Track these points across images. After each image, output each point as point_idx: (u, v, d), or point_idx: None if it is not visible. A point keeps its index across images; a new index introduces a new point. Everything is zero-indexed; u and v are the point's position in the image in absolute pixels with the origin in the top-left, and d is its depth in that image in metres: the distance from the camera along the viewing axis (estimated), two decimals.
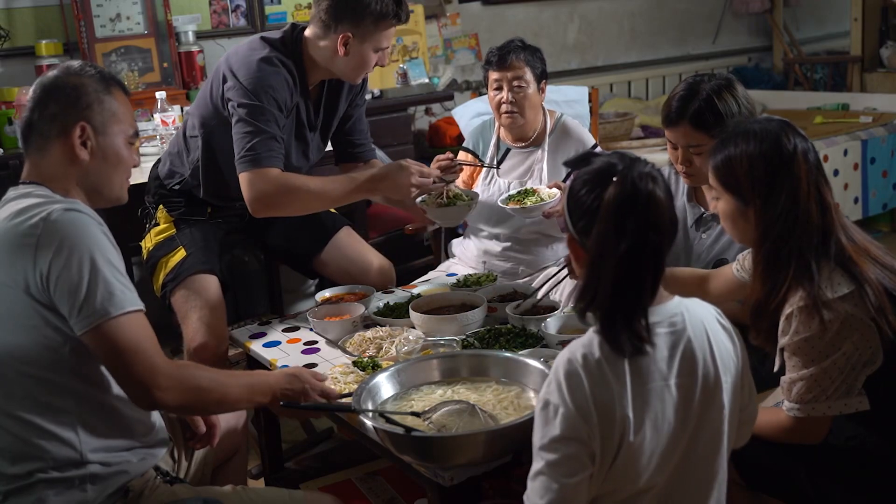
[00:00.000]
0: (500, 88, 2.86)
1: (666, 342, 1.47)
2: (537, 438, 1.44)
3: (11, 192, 1.76)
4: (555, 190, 2.73)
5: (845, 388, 1.70)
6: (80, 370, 1.67)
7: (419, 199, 2.69)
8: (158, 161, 2.82)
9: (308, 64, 2.55)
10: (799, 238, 1.71)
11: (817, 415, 1.73)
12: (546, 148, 2.92)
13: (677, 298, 1.53)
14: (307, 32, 2.55)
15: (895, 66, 6.00)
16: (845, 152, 4.68)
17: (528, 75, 2.85)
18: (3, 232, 1.66)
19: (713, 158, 1.81)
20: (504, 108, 2.86)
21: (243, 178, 2.43)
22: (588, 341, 1.46)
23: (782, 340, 1.74)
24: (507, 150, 2.99)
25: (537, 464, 1.43)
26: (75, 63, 1.79)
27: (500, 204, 2.78)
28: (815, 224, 1.72)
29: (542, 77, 2.90)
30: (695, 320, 1.51)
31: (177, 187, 2.69)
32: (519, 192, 2.80)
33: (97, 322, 1.59)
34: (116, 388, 1.71)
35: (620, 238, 1.41)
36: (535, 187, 2.80)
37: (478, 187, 3.00)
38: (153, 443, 1.82)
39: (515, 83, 2.83)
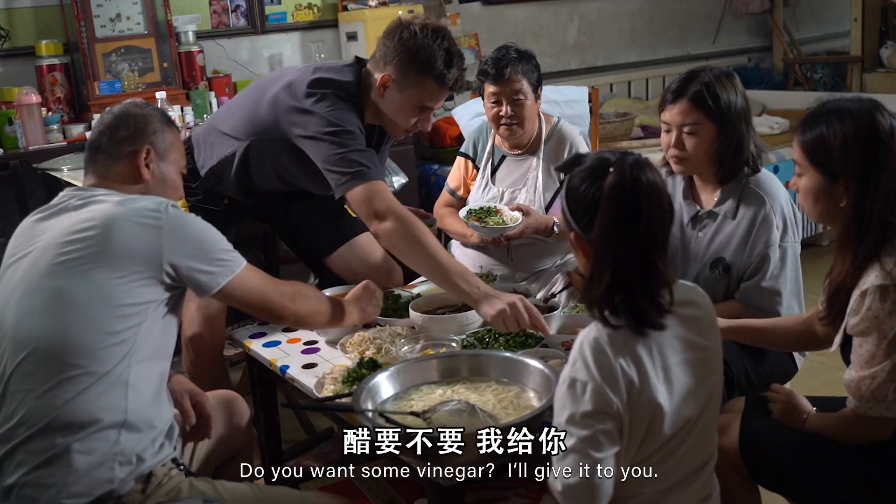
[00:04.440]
0: (498, 102, 2.83)
1: (679, 318, 1.55)
2: (564, 417, 1.49)
3: (81, 192, 1.86)
4: (517, 213, 2.74)
5: None
6: (149, 341, 1.78)
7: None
8: (185, 143, 2.74)
9: (366, 101, 2.47)
10: None
11: (890, 415, 1.71)
12: (541, 156, 2.90)
13: (680, 281, 1.62)
14: (368, 65, 2.48)
15: (895, 66, 6.00)
16: None
17: (526, 86, 2.80)
18: (116, 213, 1.76)
19: (802, 134, 1.81)
20: (503, 121, 2.83)
21: (356, 193, 2.30)
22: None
23: (853, 319, 1.73)
24: (503, 158, 2.97)
25: (566, 442, 1.47)
26: (139, 100, 2.02)
27: (460, 216, 2.79)
28: None
29: (538, 84, 2.87)
30: (701, 298, 1.62)
31: (199, 173, 2.65)
32: (482, 209, 2.80)
33: (219, 285, 1.85)
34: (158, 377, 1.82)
35: (626, 221, 1.48)
36: (498, 207, 2.80)
37: (473, 194, 3.00)
38: (170, 433, 1.85)
39: (514, 96, 2.80)
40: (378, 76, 2.41)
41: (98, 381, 1.69)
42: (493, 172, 2.97)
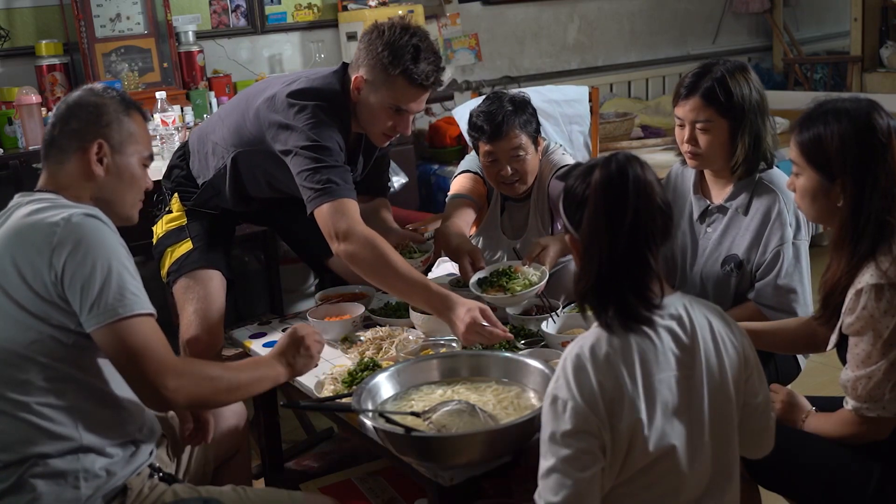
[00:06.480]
0: (496, 162, 2.59)
1: (671, 334, 1.50)
2: (547, 434, 1.46)
3: (23, 198, 1.77)
4: (535, 271, 2.39)
5: None
6: (79, 362, 1.69)
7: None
8: (182, 146, 2.74)
9: (351, 108, 2.42)
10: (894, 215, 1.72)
11: (888, 415, 1.71)
12: (534, 196, 2.71)
13: (678, 293, 1.56)
14: (349, 70, 2.42)
15: (895, 66, 6.00)
16: None
17: (525, 140, 2.55)
18: (19, 227, 1.68)
19: (799, 134, 1.81)
20: (504, 180, 2.61)
21: (323, 211, 2.22)
22: (595, 336, 1.49)
23: (848, 318, 1.73)
24: (505, 202, 2.80)
25: (548, 460, 1.43)
26: (98, 85, 1.86)
27: (474, 291, 2.32)
28: None
29: (537, 133, 2.62)
30: (697, 313, 1.55)
31: (194, 179, 2.64)
32: (495, 274, 2.41)
33: (108, 321, 1.62)
34: (114, 383, 1.73)
35: (612, 213, 1.46)
36: (514, 266, 2.44)
37: (484, 240, 2.82)
38: (146, 438, 1.82)
39: (513, 153, 2.56)
40: (355, 77, 2.37)
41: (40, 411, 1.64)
42: (500, 216, 2.81)
